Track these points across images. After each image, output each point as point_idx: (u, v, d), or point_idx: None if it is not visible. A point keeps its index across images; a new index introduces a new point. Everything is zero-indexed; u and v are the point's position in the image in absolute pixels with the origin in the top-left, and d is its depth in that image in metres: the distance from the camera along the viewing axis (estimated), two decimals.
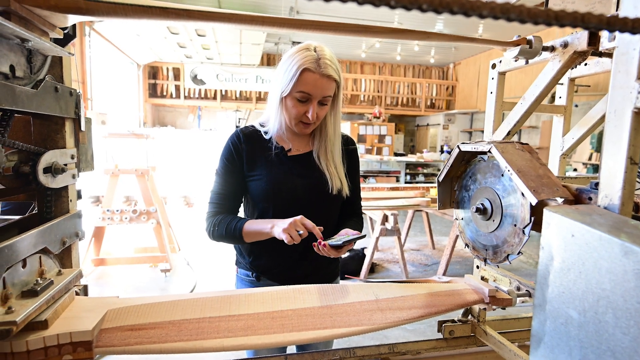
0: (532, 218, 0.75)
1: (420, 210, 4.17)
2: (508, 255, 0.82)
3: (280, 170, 1.06)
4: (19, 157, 0.77)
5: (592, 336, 0.53)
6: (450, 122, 11.01)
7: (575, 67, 0.85)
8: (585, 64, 1.07)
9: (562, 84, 1.14)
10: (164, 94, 10.04)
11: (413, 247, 4.82)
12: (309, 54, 0.96)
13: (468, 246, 0.96)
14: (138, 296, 0.82)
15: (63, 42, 0.81)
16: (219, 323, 0.73)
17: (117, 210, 3.28)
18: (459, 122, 10.95)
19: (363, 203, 3.65)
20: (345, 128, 10.27)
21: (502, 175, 0.83)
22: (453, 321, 1.14)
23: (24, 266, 0.68)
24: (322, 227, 0.95)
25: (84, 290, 0.88)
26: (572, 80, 1.13)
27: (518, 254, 0.79)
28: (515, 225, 0.79)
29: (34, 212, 0.86)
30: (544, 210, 0.62)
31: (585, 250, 0.55)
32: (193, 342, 0.69)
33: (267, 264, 1.12)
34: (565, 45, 0.82)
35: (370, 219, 4.17)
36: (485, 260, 0.90)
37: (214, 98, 10.26)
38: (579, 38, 0.79)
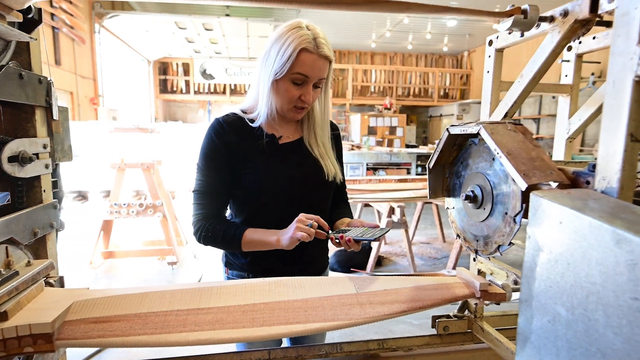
0: (524, 205, 0.68)
1: (430, 203, 4.08)
2: (499, 246, 0.76)
3: (275, 160, 1.00)
4: None
5: (581, 336, 0.47)
6: (464, 112, 10.76)
7: (578, 38, 0.78)
8: (594, 37, 0.99)
9: (568, 60, 1.06)
10: (174, 89, 10.11)
11: (422, 240, 4.74)
12: (304, 32, 0.90)
13: (459, 237, 0.90)
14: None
15: (29, 27, 0.78)
16: (187, 316, 0.70)
17: (124, 204, 3.31)
18: (474, 112, 10.69)
19: (370, 195, 3.57)
20: (356, 120, 10.17)
21: (493, 159, 0.77)
22: (448, 316, 1.08)
23: None
24: (318, 217, 0.92)
25: (60, 282, 0.85)
26: (579, 56, 1.04)
27: (509, 244, 0.73)
28: (506, 213, 0.73)
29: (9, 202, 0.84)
30: (530, 194, 0.56)
31: (574, 239, 0.49)
32: (157, 335, 0.65)
33: (267, 264, 1.06)
34: (565, 13, 0.74)
35: (378, 211, 4.11)
36: (476, 251, 0.84)
37: (224, 92, 10.29)
38: (580, 5, 0.71)
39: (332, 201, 1.13)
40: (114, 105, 7.05)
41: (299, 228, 0.88)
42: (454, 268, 3.79)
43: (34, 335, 0.62)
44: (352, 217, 1.11)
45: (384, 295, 0.80)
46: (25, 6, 0.67)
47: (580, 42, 0.89)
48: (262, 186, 0.99)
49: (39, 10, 0.78)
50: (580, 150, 6.90)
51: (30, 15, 0.76)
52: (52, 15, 5.19)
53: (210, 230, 0.97)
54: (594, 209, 0.49)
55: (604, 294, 0.44)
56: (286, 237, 0.89)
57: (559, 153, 1.07)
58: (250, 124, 1.01)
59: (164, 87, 10.09)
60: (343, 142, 7.66)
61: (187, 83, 10.10)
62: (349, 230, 0.94)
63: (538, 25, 0.80)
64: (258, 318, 0.71)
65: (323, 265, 1.18)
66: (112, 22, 6.72)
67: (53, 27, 5.22)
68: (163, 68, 10.06)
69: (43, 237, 0.84)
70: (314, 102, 1.00)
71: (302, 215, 0.90)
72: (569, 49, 1.01)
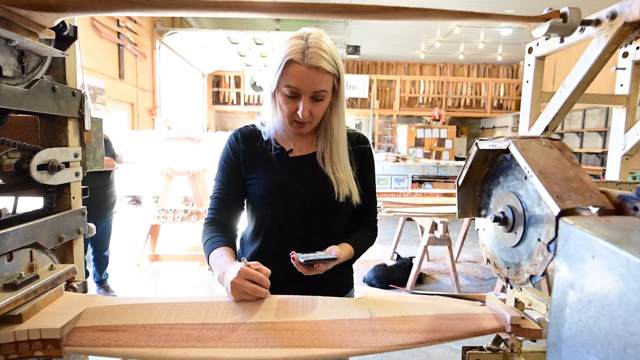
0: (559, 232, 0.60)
1: None
2: (532, 276, 0.67)
3: (280, 173, 0.97)
4: (22, 155, 0.80)
5: None
6: (520, 124, 10.13)
7: (631, 43, 0.68)
8: None
9: (623, 68, 0.93)
10: (226, 101, 10.60)
11: (469, 258, 4.47)
12: (297, 42, 0.86)
13: (489, 262, 0.81)
14: (183, 294, 0.81)
15: (65, 43, 0.84)
16: (191, 331, 0.69)
17: (171, 210, 3.47)
18: None
19: (412, 209, 3.43)
20: (403, 131, 9.96)
21: (526, 178, 0.69)
22: (481, 349, 0.98)
23: (9, 259, 0.70)
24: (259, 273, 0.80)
25: (83, 286, 0.89)
26: (637, 63, 0.92)
27: (542, 275, 0.64)
28: (539, 239, 0.64)
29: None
30: (559, 221, 0.48)
31: (610, 278, 0.41)
32: (159, 349, 0.65)
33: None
34: (612, 16, 0.65)
35: (420, 226, 3.95)
36: (507, 280, 0.75)
37: None
38: (630, 5, 0.62)
39: (353, 223, 1.06)
40: (170, 115, 7.53)
41: (234, 288, 0.77)
42: (502, 290, 3.51)
43: (43, 340, 0.64)
44: (359, 245, 1.02)
45: (401, 322, 0.74)
46: (55, 24, 0.72)
47: (638, 48, 0.78)
48: (262, 198, 0.98)
49: (75, 28, 0.83)
50: None
51: (65, 33, 0.81)
52: (119, 34, 5.69)
53: (203, 236, 0.98)
54: (635, 243, 0.40)
55: None
56: (225, 283, 0.80)
57: (613, 172, 0.94)
58: (263, 136, 1.01)
59: (217, 98, 10.62)
60: (388, 153, 7.37)
61: (238, 95, 10.54)
62: (307, 254, 0.88)
63: (582, 30, 0.71)
64: (262, 338, 0.68)
65: (341, 287, 1.09)
66: (171, 39, 7.21)
67: (119, 45, 5.70)
68: (216, 81, 10.60)
69: (70, 242, 0.88)
70: (317, 116, 0.94)
71: (243, 269, 0.79)
72: (625, 55, 0.89)
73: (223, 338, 0.68)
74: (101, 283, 3.07)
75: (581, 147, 8.50)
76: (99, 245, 2.98)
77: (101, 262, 3.04)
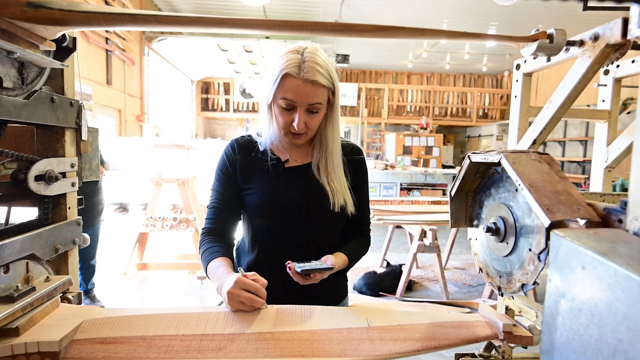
0: (549, 243, 0.62)
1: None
2: (523, 285, 0.70)
3: (276, 183, 0.99)
4: (18, 165, 0.79)
5: None
6: (504, 133, 10.36)
7: (612, 63, 0.72)
8: (633, 61, 0.91)
9: (605, 85, 0.98)
10: (215, 107, 10.56)
11: (457, 265, 4.53)
12: (293, 57, 0.88)
13: (482, 271, 0.84)
14: (167, 304, 0.81)
15: (64, 54, 0.84)
16: (191, 342, 0.69)
17: (159, 218, 3.43)
18: None
19: (401, 217, 3.47)
20: (391, 139, 10.07)
21: (516, 190, 0.72)
22: (473, 355, 1.01)
23: (5, 271, 0.69)
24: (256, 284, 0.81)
25: (78, 298, 0.88)
26: (617, 80, 0.97)
27: (534, 284, 0.67)
28: (530, 250, 0.67)
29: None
30: (551, 233, 0.51)
31: (598, 288, 0.43)
32: None
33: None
34: (595, 37, 0.69)
35: (409, 234, 3.99)
36: (499, 288, 0.78)
37: None
38: (612, 28, 0.66)
39: (347, 233, 1.07)
40: (158, 122, 7.46)
41: (231, 298, 0.78)
42: (490, 297, 3.57)
43: (41, 353, 0.64)
44: (354, 254, 1.04)
45: (397, 331, 0.76)
46: (57, 36, 0.72)
47: (618, 66, 0.83)
48: (260, 208, 0.99)
49: (74, 39, 0.84)
50: None
51: (65, 44, 0.81)
52: (107, 39, 5.63)
53: (200, 247, 0.99)
54: (621, 255, 0.43)
55: (633, 355, 0.38)
56: (223, 293, 0.81)
57: (596, 183, 0.98)
58: (259, 146, 1.02)
59: (206, 105, 10.57)
60: (377, 161, 7.45)
61: (227, 102, 10.52)
62: (304, 264, 0.89)
63: (567, 50, 0.75)
64: (262, 348, 0.69)
65: (336, 296, 1.11)
66: (160, 45, 7.18)
67: (107, 50, 5.65)
68: (205, 87, 10.56)
69: (65, 253, 0.88)
70: (312, 128, 0.96)
71: (240, 279, 0.79)
72: (606, 72, 0.94)
73: (223, 349, 0.68)
74: (87, 293, 3.01)
75: (563, 155, 8.73)
76: (86, 254, 2.93)
77: (87, 271, 2.98)
